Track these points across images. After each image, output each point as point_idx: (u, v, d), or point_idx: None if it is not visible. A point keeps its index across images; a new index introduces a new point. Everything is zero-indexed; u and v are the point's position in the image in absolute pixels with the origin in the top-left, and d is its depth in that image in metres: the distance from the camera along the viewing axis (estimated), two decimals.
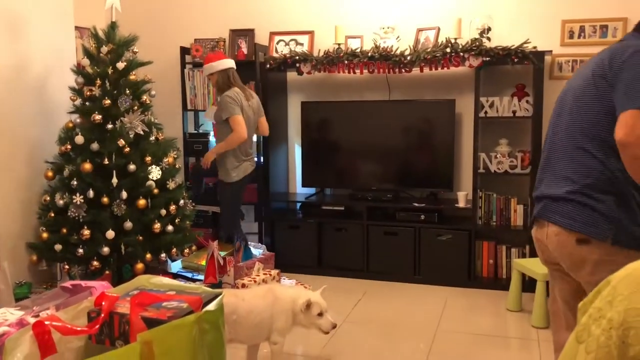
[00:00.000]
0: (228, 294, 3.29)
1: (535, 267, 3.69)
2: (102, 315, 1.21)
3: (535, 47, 4.08)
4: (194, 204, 4.29)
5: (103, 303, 1.24)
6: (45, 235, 3.74)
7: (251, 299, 2.84)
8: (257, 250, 4.48)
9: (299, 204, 4.91)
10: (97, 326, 1.19)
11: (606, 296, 1.03)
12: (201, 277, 4.18)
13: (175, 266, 4.47)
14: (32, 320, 1.21)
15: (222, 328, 1.29)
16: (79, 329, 1.17)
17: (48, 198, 3.79)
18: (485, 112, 4.22)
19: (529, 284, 3.92)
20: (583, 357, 1.06)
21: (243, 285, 3.66)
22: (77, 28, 4.47)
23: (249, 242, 4.38)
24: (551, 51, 4.23)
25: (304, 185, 4.93)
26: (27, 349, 1.11)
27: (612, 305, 0.99)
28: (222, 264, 4.05)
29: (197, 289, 1.35)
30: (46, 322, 1.14)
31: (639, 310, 0.94)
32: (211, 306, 1.25)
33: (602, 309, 1.03)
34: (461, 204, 4.42)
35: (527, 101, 4.16)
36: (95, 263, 3.67)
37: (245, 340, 2.88)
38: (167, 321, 1.19)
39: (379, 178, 4.71)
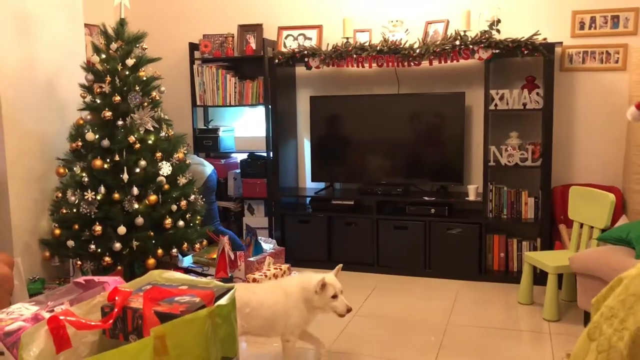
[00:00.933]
0: (240, 287, 3.25)
1: (546, 260, 3.67)
2: (116, 310, 1.22)
3: (545, 39, 4.05)
4: (204, 199, 4.30)
5: (116, 298, 1.25)
6: (57, 231, 3.77)
7: (261, 292, 2.84)
8: (268, 245, 4.49)
9: (308, 199, 4.92)
10: (111, 321, 1.20)
11: (618, 295, 1.01)
12: (212, 271, 4.20)
13: (186, 261, 4.49)
14: (47, 315, 1.22)
15: (235, 322, 1.30)
16: (93, 323, 1.19)
17: (60, 194, 3.82)
18: (496, 105, 4.20)
19: (540, 277, 3.90)
20: (594, 355, 1.05)
21: (254, 280, 3.67)
22: (86, 25, 4.49)
23: (260, 237, 4.39)
24: (561, 43, 4.20)
25: (313, 179, 4.93)
26: (43, 344, 1.12)
27: (625, 304, 0.98)
28: (233, 258, 4.07)
29: (209, 283, 1.36)
30: (61, 317, 1.15)
31: None
32: (223, 300, 1.26)
33: (614, 307, 1.02)
34: (471, 197, 4.40)
35: (537, 93, 4.13)
36: (107, 259, 3.69)
37: (259, 332, 2.88)
38: (179, 315, 1.19)
39: (388, 172, 4.70)
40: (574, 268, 3.42)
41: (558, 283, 3.60)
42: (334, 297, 2.76)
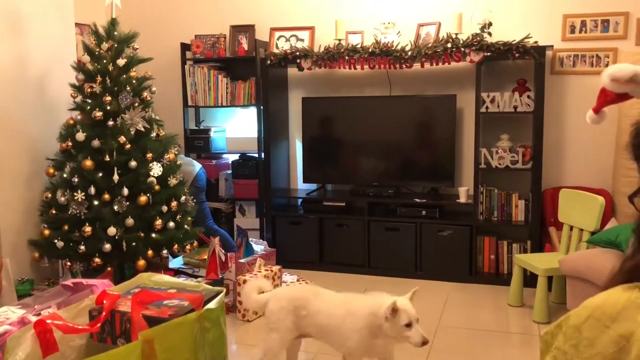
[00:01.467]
0: (303, 288, 3.10)
1: (536, 262, 3.69)
2: (104, 313, 1.21)
3: (536, 42, 4.07)
4: (194, 200, 4.29)
5: (104, 301, 1.24)
6: (46, 232, 3.74)
7: (325, 298, 2.57)
8: (259, 246, 4.48)
9: (300, 200, 4.91)
10: (99, 324, 1.19)
11: (570, 338, 0.96)
12: (202, 273, 4.18)
13: (177, 262, 4.48)
14: (33, 318, 1.21)
15: (224, 325, 1.29)
16: (80, 327, 1.18)
17: (49, 195, 3.79)
18: (487, 107, 4.21)
19: (530, 280, 3.92)
20: None
21: (244, 282, 3.67)
22: (77, 25, 4.47)
23: (251, 238, 4.38)
24: (552, 46, 4.22)
25: (305, 181, 4.93)
26: (29, 348, 1.11)
27: (578, 350, 0.94)
28: (223, 260, 4.06)
29: (197, 286, 1.35)
30: (47, 321, 1.14)
31: (605, 355, 0.89)
32: (212, 304, 1.25)
33: (567, 352, 0.97)
34: (462, 199, 4.42)
35: (528, 96, 4.15)
36: (96, 260, 3.67)
37: (315, 336, 2.66)
38: (168, 319, 1.19)
39: (380, 174, 4.71)
40: (563, 270, 3.43)
41: (548, 285, 3.62)
42: (408, 325, 2.37)
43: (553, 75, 4.35)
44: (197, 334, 1.16)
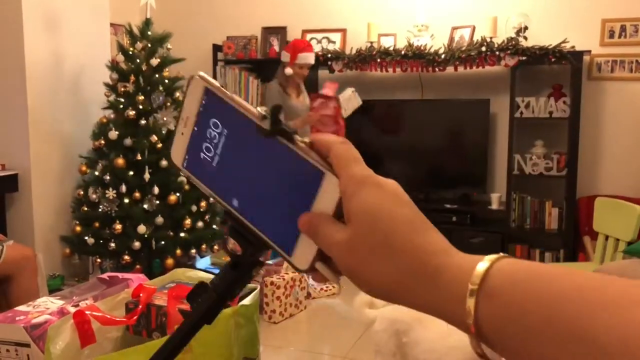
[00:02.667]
0: (409, 312, 2.37)
1: None
2: (140, 306, 1.19)
3: (573, 47, 3.99)
4: None
5: (140, 295, 1.23)
6: (78, 228, 3.78)
7: (430, 328, 2.20)
8: None
9: None
10: (135, 317, 1.18)
11: None
12: None
13: (204, 262, 4.48)
14: (72, 309, 1.20)
15: (257, 323, 1.27)
16: (117, 319, 1.16)
17: (82, 192, 3.83)
18: (521, 113, 4.14)
19: None
20: None
21: (272, 283, 3.65)
22: (111, 25, 4.52)
23: None
24: (590, 51, 4.13)
25: None
26: (68, 337, 1.10)
27: None
28: None
29: None
30: (86, 312, 1.13)
31: None
32: (246, 300, 1.23)
33: None
34: (494, 205, 4.34)
35: (564, 102, 4.07)
36: (126, 257, 3.70)
37: None
38: None
39: (410, 178, 4.66)
40: None
41: None
42: None
43: (590, 81, 4.26)
44: (232, 330, 1.14)
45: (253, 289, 1.44)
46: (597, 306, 0.34)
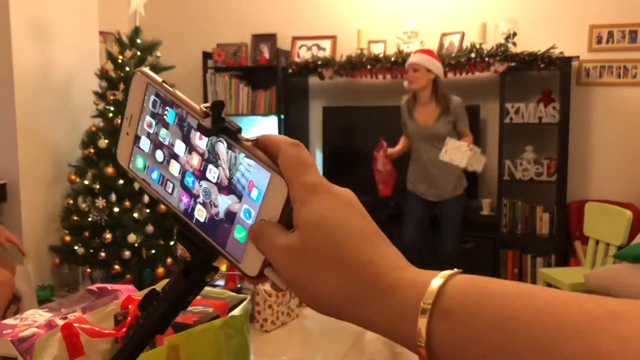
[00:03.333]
0: None
1: (561, 277, 3.60)
2: (129, 318, 1.18)
3: (562, 53, 4.02)
4: None
5: (129, 306, 1.21)
6: (67, 238, 3.75)
7: None
8: None
9: None
10: (124, 329, 1.16)
11: None
12: (221, 282, 4.15)
13: None
14: (60, 322, 1.18)
15: (247, 333, 1.26)
16: (106, 331, 1.15)
17: (71, 201, 3.80)
18: (511, 118, 4.16)
19: None
20: None
21: (264, 292, 3.63)
22: (101, 33, 4.50)
23: None
24: (578, 57, 4.16)
25: None
26: (56, 351, 1.09)
27: None
28: None
29: (222, 293, 1.32)
30: (74, 325, 1.12)
31: None
32: (236, 311, 1.22)
33: None
34: (485, 211, 4.35)
35: (553, 107, 4.09)
36: (116, 267, 3.67)
37: None
38: (193, 325, 1.15)
39: (400, 183, 4.65)
40: (589, 286, 3.34)
41: None
42: None
43: (579, 87, 4.29)
44: (222, 341, 1.13)
45: (243, 299, 1.43)
46: (554, 332, 0.32)
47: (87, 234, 3.71)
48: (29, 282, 3.38)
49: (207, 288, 1.54)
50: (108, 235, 3.64)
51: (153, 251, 3.75)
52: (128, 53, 3.84)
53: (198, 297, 1.42)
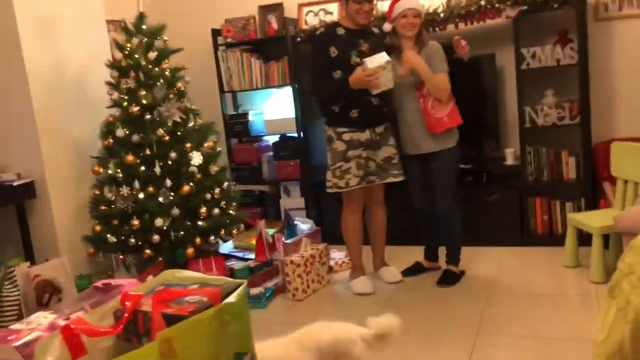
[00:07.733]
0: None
1: (590, 221, 3.54)
2: (126, 314, 1.23)
3: None
4: (236, 185, 4.32)
5: (127, 303, 1.26)
6: (98, 227, 3.87)
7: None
8: (306, 224, 4.49)
9: None
10: (121, 326, 1.21)
11: (637, 252, 1.02)
12: (252, 255, 4.24)
13: (227, 247, 4.55)
14: (62, 323, 1.24)
15: (248, 317, 1.29)
16: (103, 330, 1.20)
17: (97, 192, 3.90)
18: (528, 64, 4.03)
19: (587, 238, 3.76)
20: (614, 312, 1.10)
21: (291, 262, 3.69)
22: (110, 21, 4.53)
23: (297, 218, 4.40)
24: None
25: None
26: (58, 352, 1.14)
27: None
28: (270, 242, 4.10)
29: (219, 280, 1.36)
30: (72, 326, 1.17)
31: None
32: (231, 298, 1.25)
33: (632, 264, 1.03)
34: (509, 161, 4.28)
35: (571, 48, 3.94)
36: (147, 251, 3.77)
37: None
38: (188, 316, 1.20)
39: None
40: (618, 227, 3.27)
41: (605, 243, 3.47)
42: None
43: (597, 23, 4.11)
44: (216, 329, 1.17)
45: (239, 285, 1.46)
46: None
47: (116, 222, 3.82)
48: (65, 273, 3.51)
49: (206, 276, 1.58)
50: (136, 222, 3.73)
51: (182, 233, 3.83)
52: (135, 40, 3.86)
53: (196, 287, 1.46)
